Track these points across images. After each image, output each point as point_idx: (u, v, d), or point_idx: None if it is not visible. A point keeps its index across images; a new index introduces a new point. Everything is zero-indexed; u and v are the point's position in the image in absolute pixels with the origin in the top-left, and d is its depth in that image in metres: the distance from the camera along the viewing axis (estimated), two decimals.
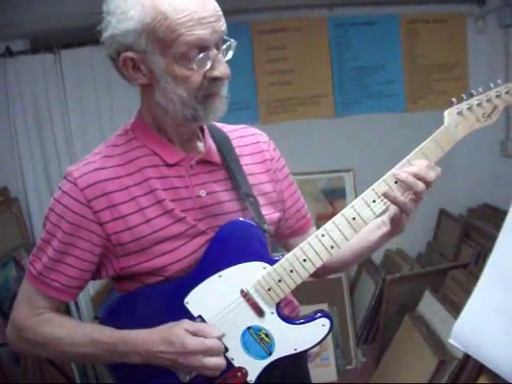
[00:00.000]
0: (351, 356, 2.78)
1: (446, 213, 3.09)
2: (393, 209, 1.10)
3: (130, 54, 0.99)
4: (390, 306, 2.56)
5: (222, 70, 1.00)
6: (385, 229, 1.15)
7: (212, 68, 0.99)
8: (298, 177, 2.98)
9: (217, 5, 0.99)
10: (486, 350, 1.53)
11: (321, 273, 1.26)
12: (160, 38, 0.95)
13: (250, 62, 2.91)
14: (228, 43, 1.03)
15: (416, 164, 1.05)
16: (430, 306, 2.34)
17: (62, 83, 2.83)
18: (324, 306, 2.73)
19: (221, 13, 0.99)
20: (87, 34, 2.73)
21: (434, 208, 3.15)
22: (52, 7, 2.70)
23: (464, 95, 1.10)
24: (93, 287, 2.41)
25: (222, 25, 0.99)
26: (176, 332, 1.01)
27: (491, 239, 1.89)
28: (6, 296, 2.38)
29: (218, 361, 1.02)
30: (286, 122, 3.00)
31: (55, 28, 2.71)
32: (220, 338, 1.05)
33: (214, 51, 0.99)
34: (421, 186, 1.04)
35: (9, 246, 2.63)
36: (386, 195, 1.05)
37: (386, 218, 1.15)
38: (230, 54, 1.04)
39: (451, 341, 1.64)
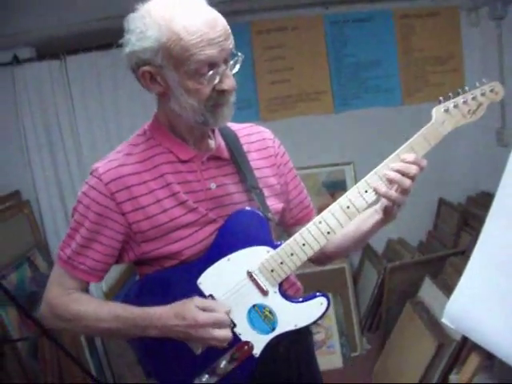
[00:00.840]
0: (356, 343, 2.87)
1: (445, 202, 3.17)
2: (384, 200, 1.20)
3: (147, 68, 1.09)
4: (391, 293, 2.64)
5: (229, 83, 1.10)
6: (378, 217, 1.25)
7: (220, 82, 1.10)
8: (300, 171, 3.02)
9: (226, 24, 1.09)
10: (476, 328, 1.61)
11: (324, 260, 1.38)
12: (174, 56, 1.06)
13: (250, 62, 3.00)
14: (236, 58, 1.13)
15: (403, 159, 1.14)
16: (429, 292, 2.43)
17: (68, 89, 2.92)
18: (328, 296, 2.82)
19: (229, 31, 1.09)
20: (92, 40, 2.85)
21: (434, 197, 3.23)
22: (56, 15, 2.78)
23: (451, 94, 1.19)
24: (106, 283, 2.50)
25: (230, 43, 1.09)
26: (188, 307, 1.12)
27: None
28: (22, 295, 2.46)
29: (225, 333, 1.13)
30: (286, 119, 3.09)
31: (60, 35, 2.79)
32: (227, 313, 1.14)
33: (223, 67, 1.09)
34: (406, 181, 1.13)
35: (22, 248, 2.73)
36: (376, 190, 1.15)
37: (378, 207, 1.24)
38: (237, 68, 1.14)
39: (444, 320, 1.72)
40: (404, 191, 1.15)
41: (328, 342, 2.80)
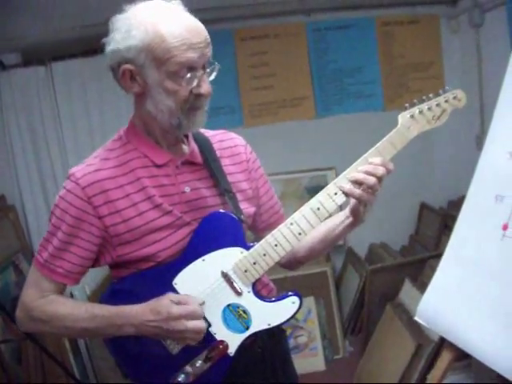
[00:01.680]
0: (339, 346, 2.90)
1: (427, 206, 3.22)
2: (352, 201, 1.24)
3: (129, 66, 1.12)
4: (372, 296, 2.68)
5: (206, 88, 1.15)
6: (347, 221, 1.29)
7: (198, 86, 1.14)
8: (283, 176, 3.15)
9: (206, 33, 1.14)
10: (448, 326, 1.65)
11: (294, 264, 1.40)
12: (156, 57, 1.10)
13: (234, 68, 3.04)
14: (212, 66, 1.18)
15: (370, 162, 1.19)
16: (409, 294, 2.47)
17: (53, 94, 2.96)
18: (311, 299, 2.86)
19: (209, 40, 1.14)
20: (77, 47, 2.88)
21: (416, 202, 3.29)
22: (42, 21, 2.82)
23: (416, 100, 1.24)
24: (89, 287, 2.52)
25: (209, 51, 1.15)
26: (162, 302, 1.15)
27: None
28: (7, 298, 2.48)
29: (199, 323, 1.15)
30: (269, 125, 3.13)
31: (46, 41, 2.83)
32: (201, 305, 1.17)
33: (201, 72, 1.14)
34: (371, 179, 1.17)
35: (7, 252, 2.76)
36: (341, 188, 1.19)
37: (347, 210, 1.28)
38: (214, 75, 1.19)
39: (416, 318, 1.76)
40: (371, 190, 1.18)
41: (311, 345, 2.83)
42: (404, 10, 3.13)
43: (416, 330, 2.24)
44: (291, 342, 2.82)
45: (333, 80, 3.14)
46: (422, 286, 2.41)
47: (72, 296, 2.39)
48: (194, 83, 1.13)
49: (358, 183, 1.18)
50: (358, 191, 1.18)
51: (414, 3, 3.11)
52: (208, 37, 1.13)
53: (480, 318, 1.53)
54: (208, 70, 1.16)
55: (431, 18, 3.14)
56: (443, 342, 2.04)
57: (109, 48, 1.13)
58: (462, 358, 1.80)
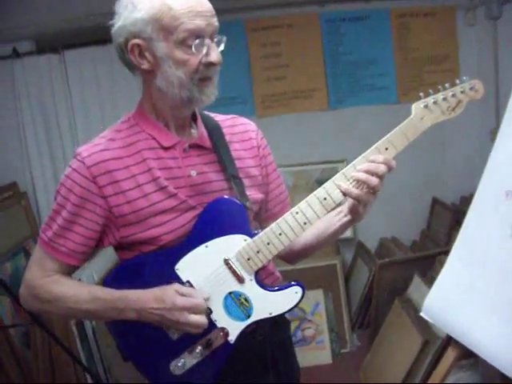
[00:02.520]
0: (346, 340, 2.89)
1: (438, 201, 3.18)
2: (350, 199, 1.21)
3: (137, 40, 1.12)
4: (381, 290, 2.66)
5: (216, 56, 1.15)
6: (345, 218, 1.26)
7: (207, 54, 1.14)
8: (294, 168, 3.14)
9: (211, 5, 1.14)
10: (453, 323, 1.63)
11: (292, 257, 1.38)
12: (164, 26, 1.10)
13: (246, 59, 3.02)
14: (220, 37, 1.17)
15: (372, 160, 1.15)
16: (418, 290, 2.44)
17: (66, 82, 2.97)
18: (319, 292, 2.85)
19: (214, 12, 1.15)
20: (90, 35, 2.89)
21: (428, 197, 3.25)
22: (56, 10, 2.83)
23: (431, 90, 1.20)
24: (98, 274, 2.53)
25: (216, 21, 1.15)
26: (167, 292, 1.14)
27: None
28: (17, 283, 2.49)
29: (200, 318, 1.14)
30: (281, 116, 3.12)
31: (59, 29, 2.85)
32: (206, 300, 1.16)
33: (209, 40, 1.13)
34: (373, 180, 1.15)
35: (19, 237, 2.79)
36: (339, 187, 1.16)
37: (345, 207, 1.25)
38: (222, 47, 1.18)
39: (422, 314, 1.73)
40: (371, 190, 1.16)
41: (318, 338, 2.82)
42: (420, 2, 3.09)
43: (423, 326, 2.21)
44: (298, 335, 2.82)
45: (346, 72, 3.11)
46: (431, 282, 2.37)
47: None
48: (204, 51, 1.12)
49: (359, 183, 1.15)
50: (355, 192, 1.15)
51: None
52: (212, 8, 1.14)
53: (484, 315, 1.50)
54: (216, 40, 1.15)
55: (448, 9, 3.09)
56: (450, 339, 2.02)
57: (115, 26, 1.13)
58: (469, 356, 1.78)
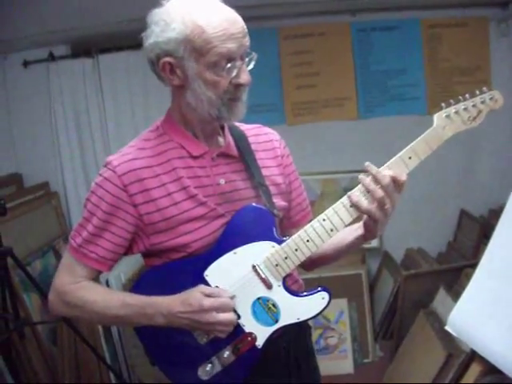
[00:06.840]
0: (369, 350, 2.87)
1: (466, 213, 3.14)
2: (365, 215, 1.21)
3: (168, 59, 1.14)
4: (405, 301, 2.64)
5: (245, 78, 1.17)
6: (360, 232, 1.27)
7: (237, 76, 1.16)
8: (322, 176, 3.14)
9: (244, 23, 1.15)
10: (478, 338, 1.61)
11: (308, 265, 1.37)
12: (196, 48, 1.12)
13: (277, 66, 3.04)
14: (251, 56, 1.19)
15: (379, 170, 1.15)
16: (443, 303, 2.42)
17: (99, 86, 3.04)
18: (343, 301, 2.84)
19: (247, 30, 1.16)
20: (123, 40, 2.95)
21: (456, 209, 3.21)
22: (91, 15, 2.89)
23: (452, 100, 1.21)
24: (125, 275, 2.57)
25: (247, 40, 1.16)
26: (194, 294, 1.16)
27: None
28: (46, 281, 2.56)
29: (229, 316, 1.17)
30: (311, 124, 3.12)
31: (94, 34, 2.92)
32: (232, 299, 1.18)
33: (240, 62, 1.15)
34: (378, 192, 1.14)
35: (49, 236, 2.86)
36: (349, 198, 1.17)
37: (361, 222, 1.26)
38: (252, 65, 1.20)
39: (447, 328, 1.72)
40: (379, 205, 1.15)
41: (340, 347, 2.82)
42: (452, 12, 3.06)
43: (447, 339, 2.18)
44: (321, 343, 2.81)
45: (376, 81, 3.10)
46: (457, 295, 2.35)
47: (108, 283, 2.46)
48: (234, 73, 1.14)
49: (366, 191, 1.15)
50: (365, 204, 1.16)
51: (463, 5, 3.03)
52: (245, 27, 1.15)
53: (510, 332, 1.48)
54: (247, 60, 1.17)
55: (480, 20, 3.06)
56: (475, 354, 2.00)
57: (148, 42, 1.15)
58: (495, 371, 1.76)
